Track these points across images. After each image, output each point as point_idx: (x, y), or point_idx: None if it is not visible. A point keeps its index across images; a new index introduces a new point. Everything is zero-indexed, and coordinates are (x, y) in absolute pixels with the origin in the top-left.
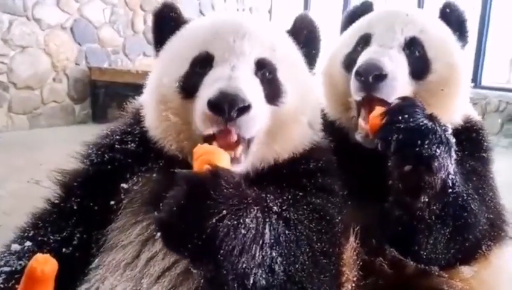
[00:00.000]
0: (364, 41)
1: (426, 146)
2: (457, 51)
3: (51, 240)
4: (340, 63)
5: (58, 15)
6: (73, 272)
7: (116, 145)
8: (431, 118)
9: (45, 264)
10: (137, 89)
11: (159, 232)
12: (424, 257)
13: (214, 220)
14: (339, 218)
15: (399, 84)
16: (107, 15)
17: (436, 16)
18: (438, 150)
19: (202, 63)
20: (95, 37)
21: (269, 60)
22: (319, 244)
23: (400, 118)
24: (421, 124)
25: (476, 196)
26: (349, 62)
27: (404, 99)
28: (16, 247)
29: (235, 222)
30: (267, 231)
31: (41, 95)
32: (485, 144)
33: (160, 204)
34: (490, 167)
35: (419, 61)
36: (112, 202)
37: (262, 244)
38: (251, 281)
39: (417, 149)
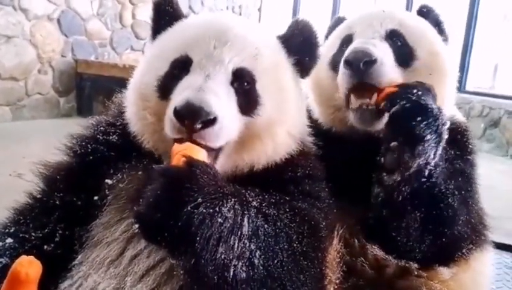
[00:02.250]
0: (347, 41)
1: (422, 125)
2: (438, 41)
3: (33, 237)
4: (327, 65)
5: (45, 6)
6: (55, 269)
7: (99, 136)
8: (439, 108)
9: (29, 267)
10: (124, 83)
11: (137, 225)
12: (400, 245)
13: (188, 208)
14: (324, 223)
15: (388, 69)
16: (95, 7)
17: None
18: (428, 136)
19: (180, 66)
20: (82, 29)
21: (249, 69)
22: (299, 245)
23: (415, 91)
24: (429, 105)
25: (458, 195)
26: (335, 63)
27: (421, 83)
28: None
29: (211, 210)
30: (245, 222)
31: (25, 86)
32: (470, 146)
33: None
34: (475, 170)
35: (402, 49)
36: (96, 198)
37: (240, 235)
38: (231, 274)
39: (413, 123)
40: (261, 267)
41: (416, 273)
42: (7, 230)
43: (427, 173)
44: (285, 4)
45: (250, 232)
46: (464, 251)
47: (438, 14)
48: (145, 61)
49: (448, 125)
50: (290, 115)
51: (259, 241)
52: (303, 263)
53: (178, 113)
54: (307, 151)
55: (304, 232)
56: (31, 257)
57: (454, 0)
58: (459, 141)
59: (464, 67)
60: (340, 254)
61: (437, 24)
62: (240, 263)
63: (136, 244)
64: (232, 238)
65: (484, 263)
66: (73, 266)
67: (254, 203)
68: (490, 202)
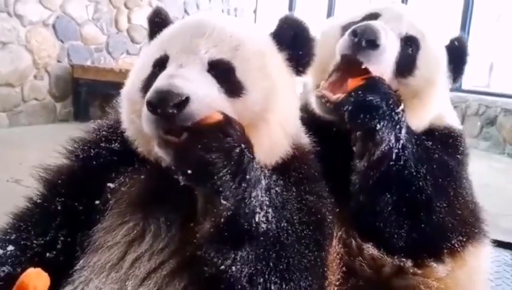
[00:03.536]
0: (372, 17)
1: (367, 120)
2: (443, 73)
3: (34, 244)
4: (341, 27)
5: (40, 11)
6: (57, 276)
7: (102, 141)
8: (384, 94)
9: (37, 280)
10: (120, 87)
11: (189, 171)
12: (380, 231)
13: (238, 150)
14: (330, 218)
15: (385, 62)
16: (91, 12)
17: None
18: (378, 125)
19: (160, 64)
20: (77, 34)
21: (227, 60)
22: (307, 232)
23: (354, 93)
24: (367, 99)
25: (433, 180)
26: (350, 26)
27: (369, 78)
28: None
29: (251, 155)
30: (262, 181)
31: (21, 92)
32: (461, 148)
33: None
34: (464, 168)
35: (407, 59)
36: (97, 202)
37: (261, 187)
38: (256, 220)
39: (359, 121)
40: (274, 225)
41: (411, 271)
42: (8, 237)
43: (394, 156)
44: (280, 6)
45: (266, 188)
46: (453, 242)
47: (467, 53)
48: (135, 67)
49: (401, 107)
50: (280, 104)
51: (272, 200)
52: (310, 248)
53: (149, 104)
54: (304, 150)
55: (311, 224)
56: (39, 269)
57: None
58: (448, 143)
59: None
60: (339, 254)
61: (458, 61)
62: (262, 213)
63: (137, 248)
64: (259, 186)
65: (481, 258)
66: (75, 272)
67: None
68: (487, 199)
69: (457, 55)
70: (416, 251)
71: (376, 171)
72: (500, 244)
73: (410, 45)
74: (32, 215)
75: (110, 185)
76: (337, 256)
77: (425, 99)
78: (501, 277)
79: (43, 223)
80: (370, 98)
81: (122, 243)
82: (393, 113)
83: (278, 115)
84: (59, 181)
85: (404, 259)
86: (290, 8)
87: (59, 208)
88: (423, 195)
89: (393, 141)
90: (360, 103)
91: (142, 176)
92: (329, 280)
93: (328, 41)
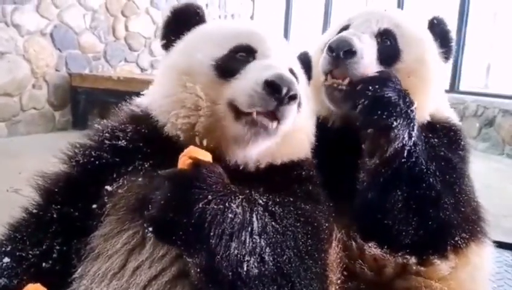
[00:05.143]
0: (343, 30)
1: (384, 116)
2: (430, 50)
3: (30, 255)
4: (319, 49)
5: (38, 21)
6: (53, 287)
7: (105, 141)
8: (399, 92)
9: None
10: (119, 95)
11: (151, 228)
12: (388, 229)
13: (200, 205)
14: (326, 225)
15: (366, 64)
16: (88, 21)
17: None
18: (395, 122)
19: (244, 52)
20: (75, 43)
21: (295, 71)
22: (304, 244)
23: (370, 87)
24: (385, 95)
25: (440, 177)
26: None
27: (382, 72)
28: None
29: (221, 206)
30: (254, 218)
31: (20, 101)
32: (462, 143)
33: (149, 206)
34: (466, 164)
35: (389, 50)
36: (94, 206)
37: (251, 231)
38: (244, 269)
39: (376, 117)
40: (271, 264)
41: (414, 268)
42: (3, 249)
43: (405, 153)
44: (277, 12)
45: (259, 228)
46: (457, 239)
47: (447, 29)
48: (188, 45)
49: (415, 104)
50: (310, 116)
51: (268, 238)
52: (308, 262)
53: (271, 83)
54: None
55: (307, 233)
56: (38, 285)
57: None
58: (450, 137)
59: (456, 68)
60: (339, 257)
61: (443, 37)
62: (252, 259)
63: (138, 256)
64: (243, 233)
65: (483, 257)
66: (74, 280)
67: (260, 201)
68: (487, 200)
69: (439, 31)
70: (421, 248)
71: (388, 169)
72: (501, 245)
73: (387, 37)
74: (28, 226)
75: (108, 187)
76: (337, 258)
77: (422, 77)
78: (502, 278)
79: (38, 232)
80: (389, 94)
81: (123, 252)
82: (409, 110)
83: (309, 126)
84: (56, 189)
85: (408, 256)
86: (287, 13)
87: (55, 216)
88: (432, 191)
89: (406, 138)
90: (377, 98)
91: (140, 179)
92: (330, 280)
93: (316, 61)
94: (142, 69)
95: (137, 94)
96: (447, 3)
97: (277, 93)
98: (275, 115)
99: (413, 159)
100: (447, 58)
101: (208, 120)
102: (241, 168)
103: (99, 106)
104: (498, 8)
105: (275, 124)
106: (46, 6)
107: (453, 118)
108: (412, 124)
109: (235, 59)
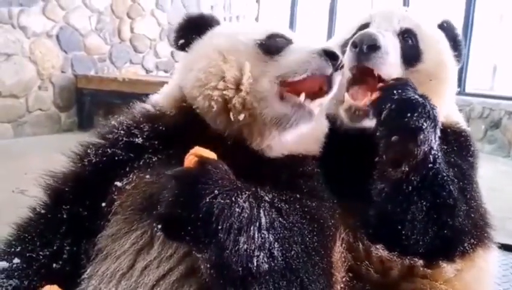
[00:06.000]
0: (363, 28)
1: (415, 118)
2: (448, 53)
3: (40, 256)
4: (339, 46)
5: (44, 23)
6: (65, 287)
7: (122, 138)
8: (422, 95)
9: None
10: (124, 96)
11: (159, 226)
12: (405, 239)
13: (207, 199)
14: (331, 222)
15: (391, 60)
16: (94, 23)
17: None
18: (424, 124)
19: (282, 38)
20: (81, 45)
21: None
22: (311, 241)
23: (394, 91)
24: (411, 97)
25: (456, 183)
26: (345, 45)
27: (398, 79)
28: (3, 265)
29: (228, 201)
30: (261, 214)
31: (26, 103)
32: (472, 148)
33: (158, 206)
34: (475, 171)
35: (411, 49)
36: (103, 204)
37: (259, 226)
38: (255, 264)
39: (406, 120)
40: (280, 259)
41: (421, 271)
42: (13, 249)
43: (431, 158)
44: (282, 13)
45: (267, 224)
46: (466, 245)
47: (457, 33)
48: (223, 33)
49: (437, 107)
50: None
51: (276, 233)
52: (315, 258)
53: (329, 52)
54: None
55: (313, 230)
56: (55, 286)
57: (450, 1)
58: (461, 143)
59: (462, 69)
60: (345, 256)
61: (453, 40)
62: (262, 254)
63: (146, 256)
64: (251, 228)
65: (489, 261)
66: (82, 281)
67: (266, 198)
68: (493, 203)
69: (450, 35)
70: (432, 253)
71: (417, 175)
72: (506, 247)
73: (408, 36)
74: (37, 226)
75: (118, 183)
76: (342, 257)
77: (442, 79)
78: (508, 281)
79: (48, 233)
80: (414, 96)
81: (131, 252)
82: (434, 111)
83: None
84: (65, 188)
85: (415, 259)
86: (292, 14)
87: (64, 216)
88: (451, 199)
89: (433, 141)
90: (405, 100)
91: (148, 176)
92: (335, 278)
93: None
94: (147, 71)
95: (143, 95)
96: (453, 5)
97: (333, 60)
98: (329, 81)
99: (437, 166)
100: (458, 61)
101: (247, 96)
102: (259, 154)
103: (104, 107)
104: (504, 10)
105: (316, 102)
106: (52, 8)
107: (462, 122)
108: (437, 126)
109: (276, 41)
